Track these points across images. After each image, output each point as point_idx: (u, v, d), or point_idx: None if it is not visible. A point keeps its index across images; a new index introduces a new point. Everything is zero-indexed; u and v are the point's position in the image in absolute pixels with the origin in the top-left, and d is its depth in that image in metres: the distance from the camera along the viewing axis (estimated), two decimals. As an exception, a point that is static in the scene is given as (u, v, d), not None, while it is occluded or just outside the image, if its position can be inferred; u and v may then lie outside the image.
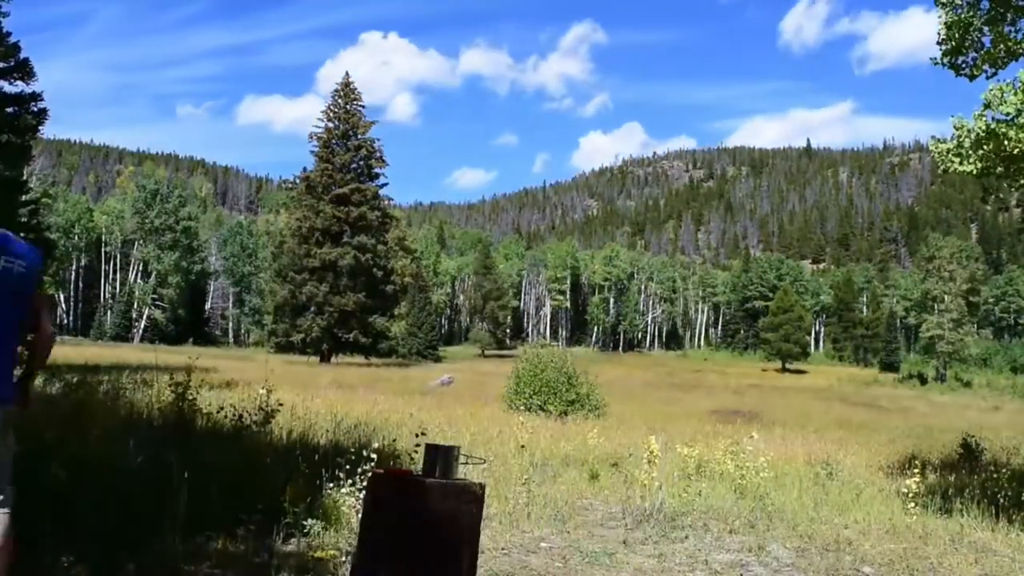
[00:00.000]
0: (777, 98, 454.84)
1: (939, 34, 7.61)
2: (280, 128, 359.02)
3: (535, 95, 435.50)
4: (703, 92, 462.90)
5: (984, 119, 6.84)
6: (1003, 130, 6.64)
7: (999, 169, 7.05)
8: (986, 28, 7.40)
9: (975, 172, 7.02)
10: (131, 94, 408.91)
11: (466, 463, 3.17)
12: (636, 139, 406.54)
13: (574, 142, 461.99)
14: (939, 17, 7.54)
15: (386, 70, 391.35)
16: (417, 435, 5.91)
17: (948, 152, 7.08)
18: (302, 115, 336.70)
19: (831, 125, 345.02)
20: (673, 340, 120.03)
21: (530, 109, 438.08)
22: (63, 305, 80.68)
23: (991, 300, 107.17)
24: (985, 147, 6.79)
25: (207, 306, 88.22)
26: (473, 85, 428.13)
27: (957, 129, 7.00)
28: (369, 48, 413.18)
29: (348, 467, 4.98)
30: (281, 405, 7.24)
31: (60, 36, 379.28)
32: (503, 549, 4.82)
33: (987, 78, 7.52)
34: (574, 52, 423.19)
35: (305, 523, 4.31)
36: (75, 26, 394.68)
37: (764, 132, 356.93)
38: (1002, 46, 7.36)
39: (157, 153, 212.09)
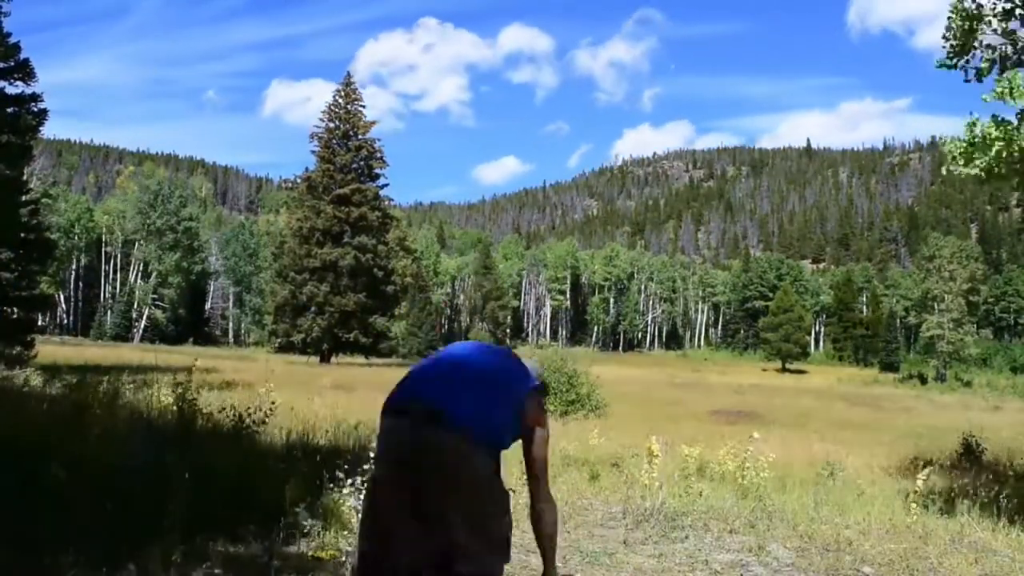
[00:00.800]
0: (832, 92, 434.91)
1: (947, 24, 7.68)
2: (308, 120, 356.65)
3: (587, 84, 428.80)
4: (758, 86, 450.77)
5: (996, 118, 6.90)
6: (1011, 132, 6.69)
7: (1017, 169, 7.07)
8: (995, 21, 7.45)
9: (983, 171, 7.04)
10: (164, 90, 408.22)
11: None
12: (682, 133, 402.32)
13: (619, 134, 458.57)
14: (948, 18, 7.62)
15: (432, 56, 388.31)
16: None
17: (959, 152, 7.10)
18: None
19: (883, 121, 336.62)
20: (673, 340, 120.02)
21: (581, 98, 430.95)
22: (63, 305, 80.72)
23: (991, 300, 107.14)
24: (996, 146, 6.82)
25: (207, 306, 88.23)
26: (521, 72, 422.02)
27: (972, 126, 7.03)
28: (420, 32, 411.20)
29: (348, 467, 4.97)
30: (275, 405, 7.24)
31: (99, 30, 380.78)
32: (503, 549, 4.80)
33: (981, 77, 7.59)
34: (630, 42, 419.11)
35: (305, 524, 4.31)
36: (115, 20, 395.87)
37: (809, 128, 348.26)
38: (1008, 48, 7.41)
39: (157, 153, 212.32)
